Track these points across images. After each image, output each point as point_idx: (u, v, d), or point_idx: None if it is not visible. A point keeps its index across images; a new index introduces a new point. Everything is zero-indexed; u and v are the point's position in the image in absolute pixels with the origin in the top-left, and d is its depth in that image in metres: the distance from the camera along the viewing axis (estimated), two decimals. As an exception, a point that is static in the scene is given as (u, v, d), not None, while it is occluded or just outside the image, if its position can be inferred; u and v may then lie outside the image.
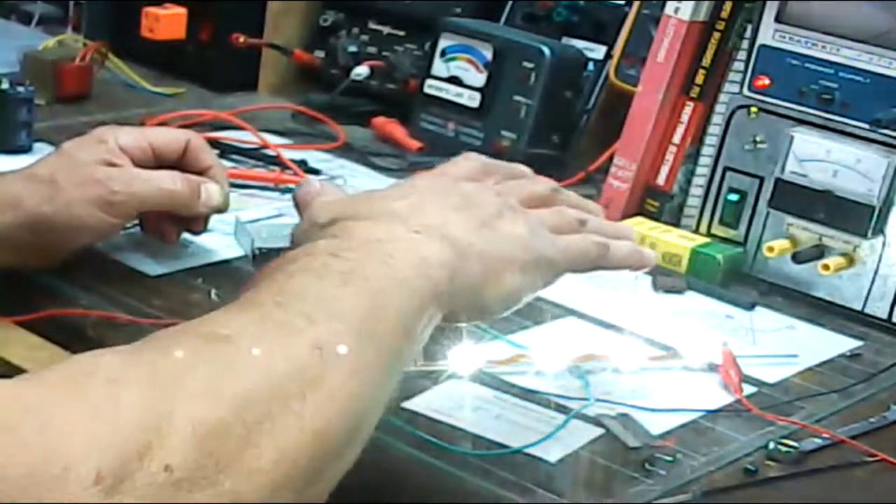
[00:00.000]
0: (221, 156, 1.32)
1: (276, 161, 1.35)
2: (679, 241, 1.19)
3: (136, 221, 1.08)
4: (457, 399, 0.90)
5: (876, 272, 1.13)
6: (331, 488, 0.66)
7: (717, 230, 1.22)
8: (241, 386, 0.61)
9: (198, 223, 1.08)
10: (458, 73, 1.44)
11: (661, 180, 1.27)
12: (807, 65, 1.17)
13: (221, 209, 1.07)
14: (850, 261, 1.14)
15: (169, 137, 1.07)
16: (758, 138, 1.19)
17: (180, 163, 1.06)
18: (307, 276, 0.70)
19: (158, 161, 1.05)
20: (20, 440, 0.55)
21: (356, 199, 0.81)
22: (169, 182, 1.03)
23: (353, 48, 1.59)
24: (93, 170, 1.01)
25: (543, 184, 0.88)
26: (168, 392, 0.59)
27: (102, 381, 0.59)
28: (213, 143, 1.30)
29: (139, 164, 1.04)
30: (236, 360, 0.63)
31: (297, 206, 0.85)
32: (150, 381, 0.60)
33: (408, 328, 0.71)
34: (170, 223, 1.07)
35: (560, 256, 0.82)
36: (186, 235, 1.09)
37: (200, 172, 1.06)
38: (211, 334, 0.65)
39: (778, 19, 1.18)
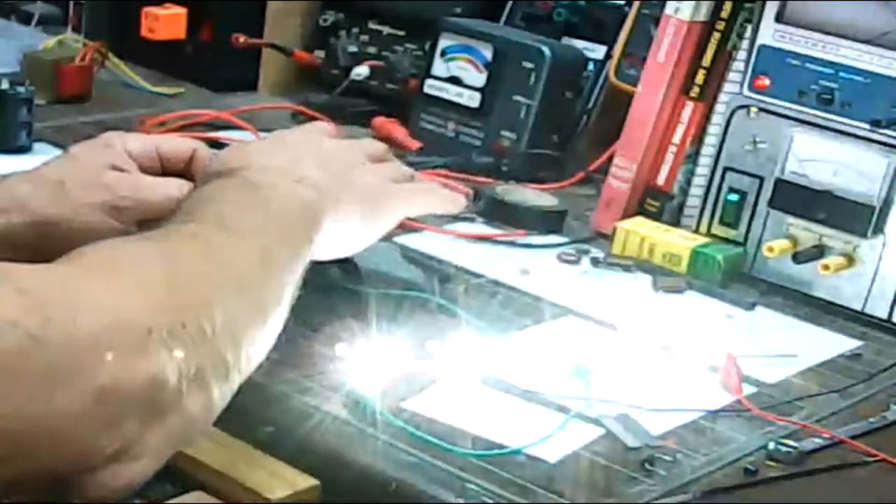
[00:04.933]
0: (221, 156, 1.32)
1: (276, 161, 1.34)
2: (679, 241, 1.19)
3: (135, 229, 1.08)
4: (457, 399, 0.90)
5: (876, 272, 1.13)
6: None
7: (717, 230, 1.22)
8: (219, 275, 0.76)
9: None
10: (458, 73, 1.44)
11: (661, 180, 1.27)
12: (807, 65, 1.17)
13: None
14: (850, 261, 1.14)
15: (176, 146, 1.07)
16: (758, 138, 1.19)
17: (186, 171, 1.07)
18: (232, 206, 0.84)
19: (164, 168, 1.05)
20: (98, 303, 0.68)
21: (243, 152, 0.92)
22: (176, 190, 1.03)
23: (353, 48, 1.59)
24: (100, 174, 1.01)
25: (380, 145, 1.00)
26: (179, 272, 0.74)
27: (141, 259, 0.74)
28: (213, 144, 1.30)
29: (146, 170, 1.04)
30: (213, 256, 0.78)
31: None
32: (168, 264, 0.74)
33: (300, 257, 0.84)
34: None
35: (403, 201, 0.96)
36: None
37: None
38: (187, 233, 0.80)
39: (778, 19, 1.19)
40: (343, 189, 0.91)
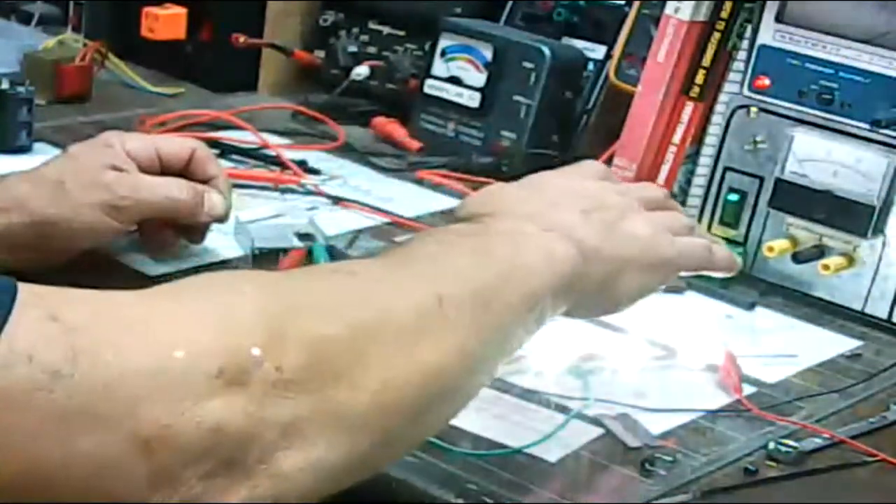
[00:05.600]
0: (221, 156, 1.32)
1: (276, 161, 1.35)
2: (679, 241, 1.19)
3: (135, 227, 1.08)
4: (457, 399, 0.90)
5: (876, 272, 1.13)
6: (429, 434, 0.73)
7: (717, 230, 1.22)
8: (358, 312, 0.65)
9: (196, 233, 1.09)
10: (458, 73, 1.44)
11: (661, 180, 1.27)
12: (807, 65, 1.17)
13: (223, 219, 1.08)
14: (850, 261, 1.14)
15: (175, 146, 1.08)
16: (758, 138, 1.19)
17: (185, 171, 1.07)
18: (438, 246, 0.74)
19: (164, 168, 1.06)
20: (148, 336, 0.59)
21: (493, 196, 0.84)
22: (175, 190, 1.03)
23: (353, 48, 1.59)
24: (100, 174, 1.01)
25: (658, 189, 0.91)
26: (286, 305, 0.63)
27: (224, 289, 0.64)
28: (213, 143, 1.30)
29: (145, 170, 1.04)
30: (357, 291, 0.67)
31: None
32: (268, 294, 0.64)
33: (523, 310, 0.74)
34: (169, 231, 1.07)
35: (677, 257, 0.85)
36: (184, 237, 1.10)
37: (205, 181, 1.07)
38: (337, 268, 0.73)
39: (778, 19, 1.18)
40: (609, 239, 0.80)
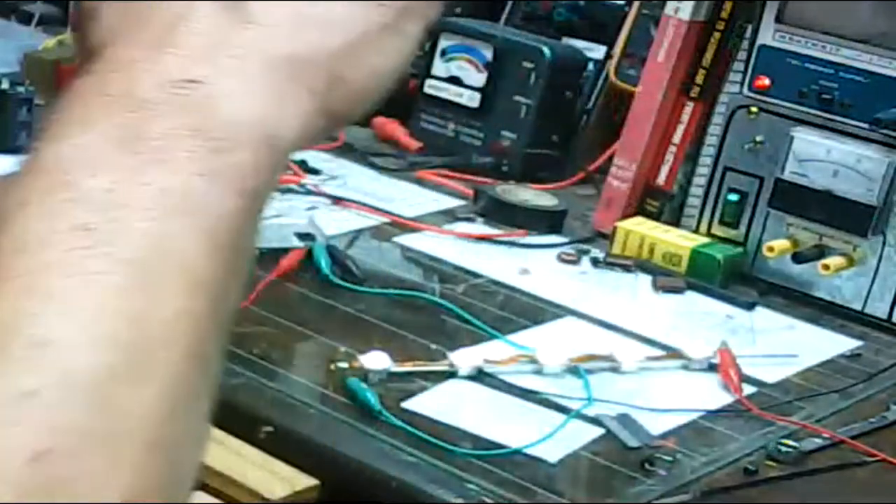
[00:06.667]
0: (221, 156, 1.32)
1: (275, 161, 1.35)
2: (679, 241, 1.19)
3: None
4: (457, 399, 0.90)
5: (876, 272, 1.13)
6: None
7: (717, 230, 1.22)
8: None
9: None
10: (458, 73, 1.44)
11: (661, 180, 1.27)
12: (807, 65, 1.17)
13: None
14: (850, 261, 1.14)
15: None
16: (758, 138, 1.19)
17: None
18: (47, 251, 0.38)
19: None
20: None
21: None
22: None
23: (353, 48, 1.59)
24: None
25: None
26: None
27: None
28: (213, 143, 1.30)
29: None
30: None
31: None
32: None
33: (216, 283, 0.40)
34: None
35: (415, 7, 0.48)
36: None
37: None
38: None
39: (778, 19, 1.19)
40: (314, 37, 0.45)
